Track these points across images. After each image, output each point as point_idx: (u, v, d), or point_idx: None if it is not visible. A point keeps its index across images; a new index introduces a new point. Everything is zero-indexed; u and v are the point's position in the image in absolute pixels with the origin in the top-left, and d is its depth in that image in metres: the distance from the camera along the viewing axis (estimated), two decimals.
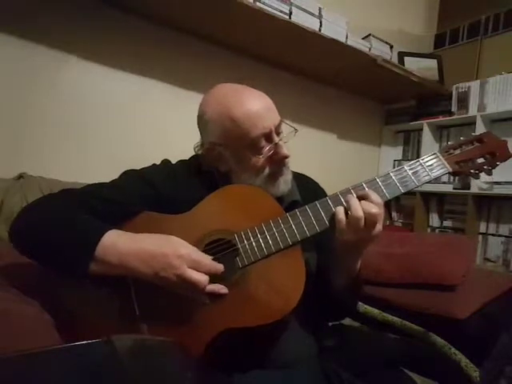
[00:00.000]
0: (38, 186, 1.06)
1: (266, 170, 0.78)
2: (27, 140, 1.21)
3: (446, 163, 0.75)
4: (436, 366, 0.91)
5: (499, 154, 0.77)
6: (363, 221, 0.65)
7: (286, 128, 0.82)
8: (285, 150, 0.77)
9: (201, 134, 0.85)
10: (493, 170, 0.79)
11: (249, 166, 0.77)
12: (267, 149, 0.76)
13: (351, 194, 0.71)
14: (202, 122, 0.81)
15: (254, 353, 0.72)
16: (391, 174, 0.73)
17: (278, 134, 0.79)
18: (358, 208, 0.66)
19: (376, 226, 0.67)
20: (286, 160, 0.79)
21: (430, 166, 0.74)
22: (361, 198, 0.68)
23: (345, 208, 0.68)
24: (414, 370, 0.83)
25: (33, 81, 1.21)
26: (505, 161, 0.78)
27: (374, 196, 0.67)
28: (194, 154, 0.89)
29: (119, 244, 0.65)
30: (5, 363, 0.39)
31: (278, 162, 0.78)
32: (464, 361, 1.03)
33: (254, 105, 0.75)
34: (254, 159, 0.77)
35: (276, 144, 0.77)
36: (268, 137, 0.76)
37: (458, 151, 0.77)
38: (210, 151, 0.81)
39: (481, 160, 0.78)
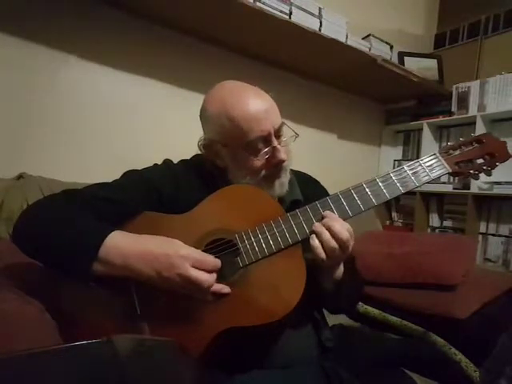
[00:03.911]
0: (38, 186, 1.06)
1: (262, 173, 0.77)
2: (27, 140, 1.21)
3: (445, 164, 0.75)
4: (436, 366, 0.91)
5: (498, 155, 0.77)
6: (338, 248, 0.67)
7: (287, 130, 0.81)
8: (282, 154, 0.76)
9: (203, 128, 0.85)
10: (492, 171, 0.79)
11: (244, 167, 0.77)
12: (264, 151, 0.76)
13: (351, 193, 0.72)
14: (204, 117, 0.82)
15: (255, 352, 0.72)
16: (391, 174, 0.74)
17: (278, 136, 0.78)
18: (331, 240, 0.67)
19: (349, 248, 0.69)
20: (284, 164, 0.79)
21: (430, 167, 0.75)
22: (326, 225, 0.69)
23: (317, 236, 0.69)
24: (414, 370, 0.83)
25: (33, 81, 1.21)
26: (504, 162, 0.78)
27: (338, 225, 0.68)
28: (195, 153, 0.89)
29: (122, 245, 0.65)
30: (5, 363, 0.39)
31: (274, 165, 0.77)
32: (464, 361, 1.03)
33: (253, 106, 0.75)
34: (251, 160, 0.76)
35: (274, 147, 0.76)
36: (266, 140, 0.76)
37: (457, 152, 0.77)
38: (208, 147, 0.82)
39: (480, 161, 0.78)
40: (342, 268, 0.75)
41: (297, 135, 0.81)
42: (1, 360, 0.39)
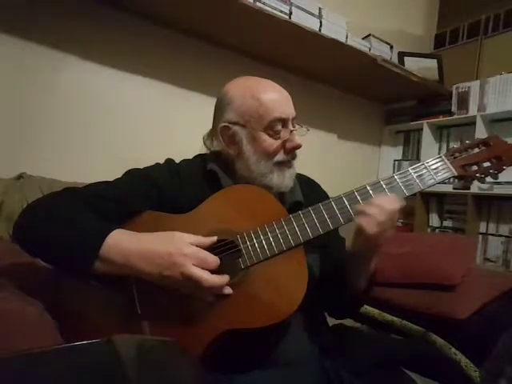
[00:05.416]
0: (38, 186, 1.06)
1: (277, 157, 0.79)
2: (27, 140, 1.21)
3: (451, 167, 0.74)
4: (436, 365, 0.91)
5: (506, 158, 0.75)
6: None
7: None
8: (298, 139, 0.80)
9: (216, 117, 0.86)
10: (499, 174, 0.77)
11: (261, 148, 0.79)
12: (282, 133, 0.79)
13: (355, 196, 0.72)
14: (224, 101, 0.83)
15: (255, 353, 0.72)
16: (396, 176, 0.73)
17: (293, 126, 0.81)
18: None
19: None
20: (296, 152, 0.82)
21: (435, 170, 0.74)
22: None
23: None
24: (414, 370, 0.83)
25: (33, 81, 1.21)
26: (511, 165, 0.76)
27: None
28: (197, 153, 0.89)
29: (124, 243, 0.65)
30: (5, 363, 0.39)
31: (289, 150, 0.80)
32: (464, 361, 1.03)
33: (276, 92, 0.81)
34: (268, 141, 0.78)
35: (291, 131, 0.80)
36: (285, 123, 0.79)
37: (463, 154, 0.76)
38: (224, 131, 0.82)
39: (487, 164, 0.76)
40: (374, 264, 0.78)
41: (307, 129, 0.85)
42: (1, 360, 0.39)
